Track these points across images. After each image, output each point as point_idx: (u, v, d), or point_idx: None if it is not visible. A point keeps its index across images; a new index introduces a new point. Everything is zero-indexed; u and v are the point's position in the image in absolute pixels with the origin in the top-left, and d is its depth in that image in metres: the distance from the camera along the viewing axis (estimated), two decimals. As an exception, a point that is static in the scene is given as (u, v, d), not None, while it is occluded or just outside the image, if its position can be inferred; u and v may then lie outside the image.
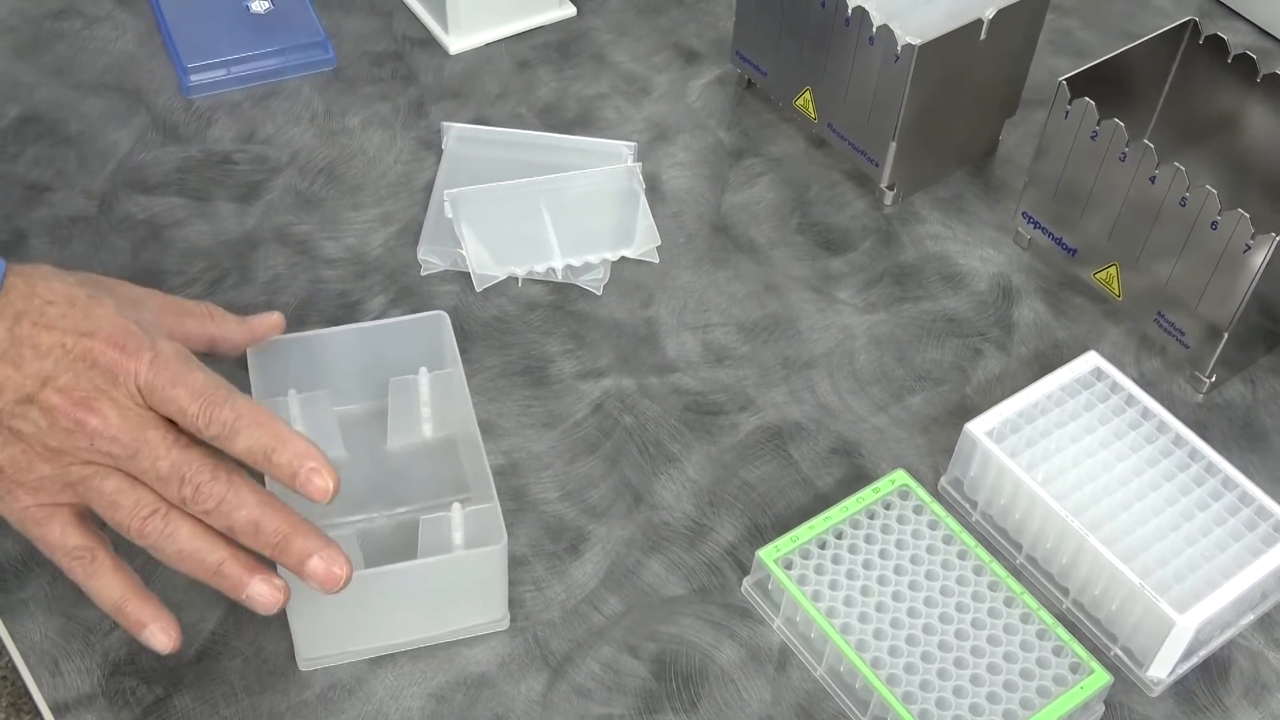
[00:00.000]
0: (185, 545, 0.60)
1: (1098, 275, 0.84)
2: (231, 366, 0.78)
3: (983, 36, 0.84)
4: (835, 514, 0.71)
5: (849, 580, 0.69)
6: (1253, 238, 0.74)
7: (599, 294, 0.84)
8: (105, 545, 0.63)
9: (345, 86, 0.95)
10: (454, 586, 0.66)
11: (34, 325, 0.60)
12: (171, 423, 0.61)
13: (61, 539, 0.61)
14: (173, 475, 0.59)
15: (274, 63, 0.95)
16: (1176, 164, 0.76)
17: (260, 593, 0.61)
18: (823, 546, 0.70)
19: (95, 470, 0.60)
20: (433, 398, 0.73)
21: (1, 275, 0.61)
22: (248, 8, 0.97)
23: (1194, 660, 0.70)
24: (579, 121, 0.94)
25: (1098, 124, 0.79)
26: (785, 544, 0.70)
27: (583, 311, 0.83)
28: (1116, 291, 0.83)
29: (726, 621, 0.70)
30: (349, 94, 0.95)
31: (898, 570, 0.70)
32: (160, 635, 0.62)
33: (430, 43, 0.99)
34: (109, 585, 0.62)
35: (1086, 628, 0.71)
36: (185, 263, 0.84)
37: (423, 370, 0.72)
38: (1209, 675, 0.70)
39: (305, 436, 0.61)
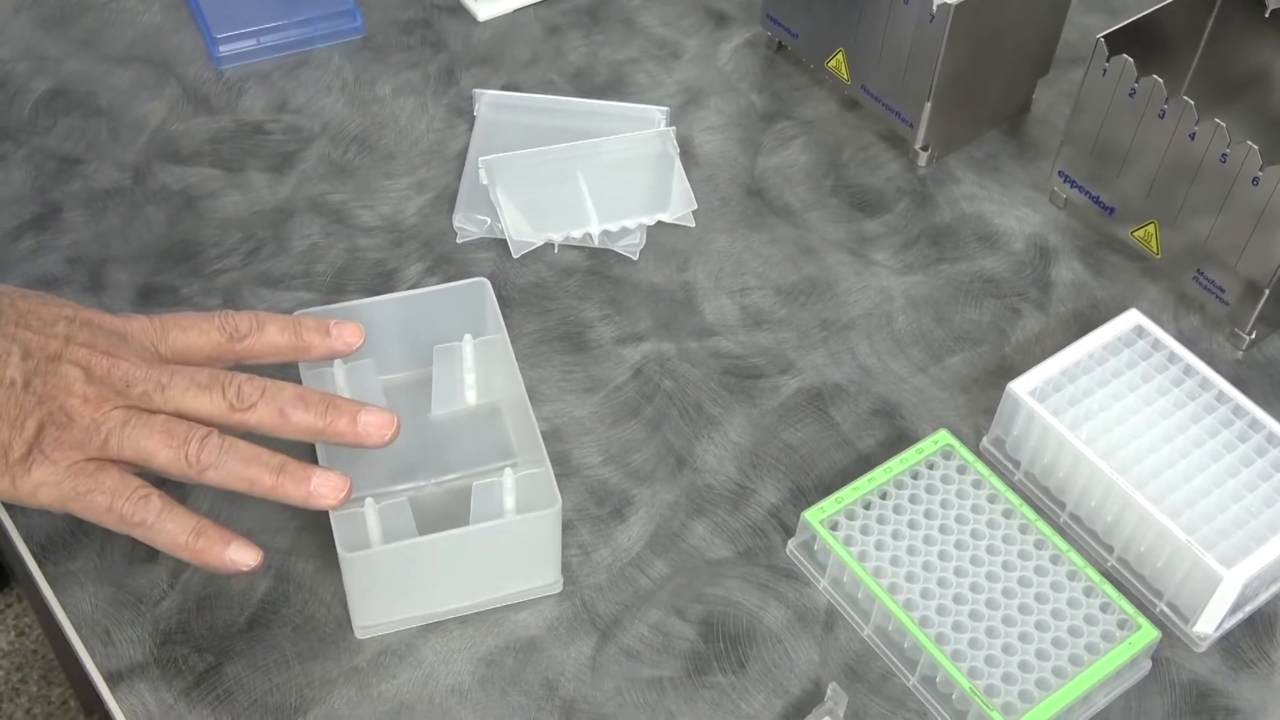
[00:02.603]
0: (246, 454, 0.61)
1: (1135, 233, 0.84)
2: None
3: (1017, -5, 0.84)
4: (879, 475, 0.71)
5: (894, 540, 0.69)
6: (1295, 193, 0.73)
7: (635, 259, 0.84)
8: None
9: (375, 55, 0.95)
10: (507, 550, 0.66)
11: (30, 303, 0.62)
12: None
13: (121, 483, 0.61)
14: (213, 384, 0.61)
15: (303, 32, 0.94)
16: (1217, 120, 0.75)
17: (323, 483, 0.62)
18: (867, 507, 0.71)
19: (136, 414, 0.61)
20: (476, 364, 0.73)
21: None
22: (275, -24, 0.97)
23: (1240, 616, 0.70)
24: (610, 87, 0.94)
25: (1136, 81, 0.79)
26: (830, 505, 0.70)
27: (620, 277, 0.83)
28: (1155, 249, 0.83)
29: (772, 583, 0.70)
30: (379, 62, 0.94)
31: (943, 529, 0.70)
32: (244, 553, 0.62)
33: (458, 10, 0.98)
34: (180, 518, 0.62)
35: (1132, 584, 0.71)
36: (221, 233, 0.84)
37: (467, 337, 0.72)
38: (1255, 630, 0.70)
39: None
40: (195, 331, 0.63)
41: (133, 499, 0.61)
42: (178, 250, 0.83)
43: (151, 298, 0.80)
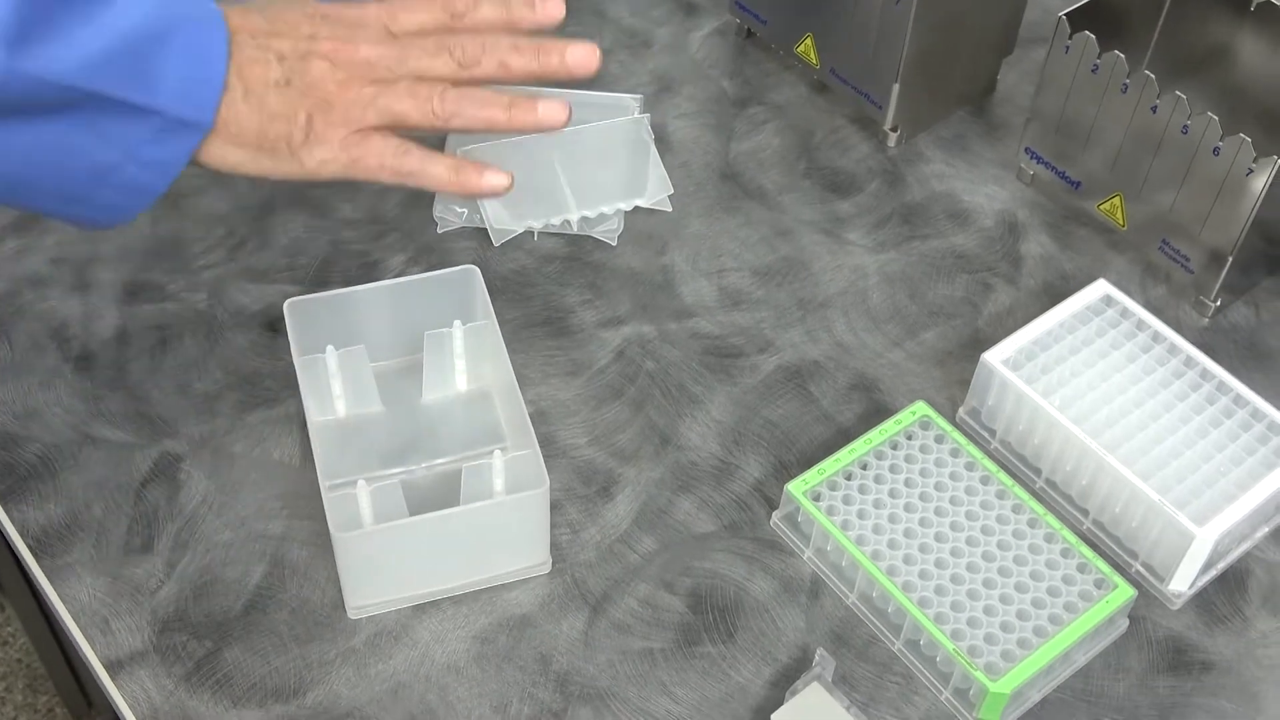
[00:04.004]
0: (479, 97, 0.70)
1: (1101, 206, 0.86)
2: (265, 331, 0.79)
3: (981, -24, 0.86)
4: (859, 446, 0.73)
5: (876, 509, 0.71)
6: (1255, 161, 0.75)
7: (614, 244, 0.85)
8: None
9: (350, 51, 0.96)
10: (498, 531, 0.67)
11: (277, 10, 0.70)
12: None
13: (384, 142, 0.70)
14: (440, 49, 0.70)
15: None
16: (1178, 93, 0.77)
17: (549, 106, 0.71)
18: (849, 478, 0.72)
19: (383, 85, 0.70)
20: (466, 350, 0.74)
21: (220, 20, 0.68)
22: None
23: (1212, 573, 0.72)
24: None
25: (1098, 57, 0.81)
26: (813, 477, 0.72)
27: (599, 262, 0.84)
28: (1121, 222, 0.85)
29: (758, 555, 0.72)
30: (354, 58, 0.95)
31: (923, 497, 0.72)
32: (498, 176, 0.71)
33: (431, 5, 1.00)
34: (440, 160, 0.71)
35: (1108, 546, 0.73)
36: (205, 230, 0.85)
37: (457, 323, 0.73)
38: (1227, 587, 0.72)
39: None
40: (421, 11, 0.71)
41: (398, 153, 0.70)
42: (163, 247, 0.84)
43: (139, 295, 0.81)
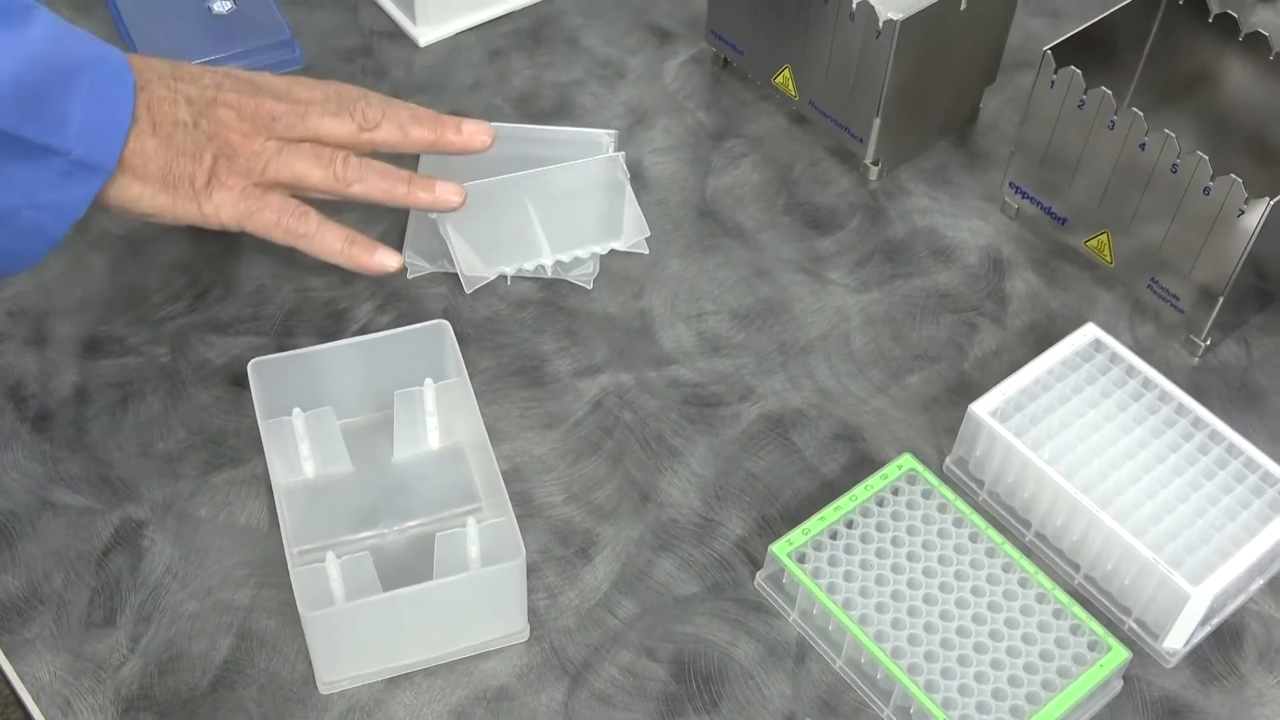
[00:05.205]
0: (379, 170, 0.74)
1: (1088, 243, 0.84)
2: (229, 386, 0.77)
3: (963, 7, 0.83)
4: (845, 503, 0.71)
5: (863, 570, 0.69)
6: (1246, 202, 0.74)
7: (589, 288, 0.83)
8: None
9: (316, 86, 0.93)
10: (473, 603, 0.65)
11: (180, 64, 0.72)
12: None
13: (283, 203, 0.72)
14: (342, 109, 0.73)
15: (241, 65, 0.92)
16: (1167, 131, 0.75)
17: (446, 188, 0.76)
18: (834, 537, 0.70)
19: (287, 144, 0.72)
20: (438, 408, 0.72)
21: (123, 53, 0.69)
22: (210, 9, 0.95)
23: (1207, 629, 0.70)
24: (556, 110, 0.93)
25: (1084, 93, 0.79)
26: (797, 537, 0.70)
27: (574, 307, 0.82)
28: (1108, 258, 0.83)
29: (742, 618, 0.70)
30: (320, 93, 0.93)
31: (910, 557, 0.70)
32: (390, 256, 0.74)
33: (398, 35, 0.97)
34: (335, 229, 0.73)
35: (1100, 602, 0.71)
36: (168, 279, 0.82)
37: (428, 382, 0.71)
38: (1223, 643, 0.70)
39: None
40: (325, 85, 0.74)
41: (295, 214, 0.72)
42: (122, 298, 0.81)
43: (98, 349, 0.78)
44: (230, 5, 0.95)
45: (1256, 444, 0.72)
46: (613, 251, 0.84)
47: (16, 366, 0.78)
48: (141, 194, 0.68)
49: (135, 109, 0.67)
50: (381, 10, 0.98)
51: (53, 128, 0.64)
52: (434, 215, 0.81)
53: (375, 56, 0.95)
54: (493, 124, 0.89)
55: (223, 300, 0.81)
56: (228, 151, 0.70)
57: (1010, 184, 0.86)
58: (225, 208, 0.71)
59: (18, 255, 0.68)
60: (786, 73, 0.90)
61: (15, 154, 0.63)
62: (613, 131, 0.89)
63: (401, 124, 0.74)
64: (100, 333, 0.79)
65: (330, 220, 0.73)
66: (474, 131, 0.76)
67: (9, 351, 0.78)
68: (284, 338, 0.79)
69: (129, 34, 0.93)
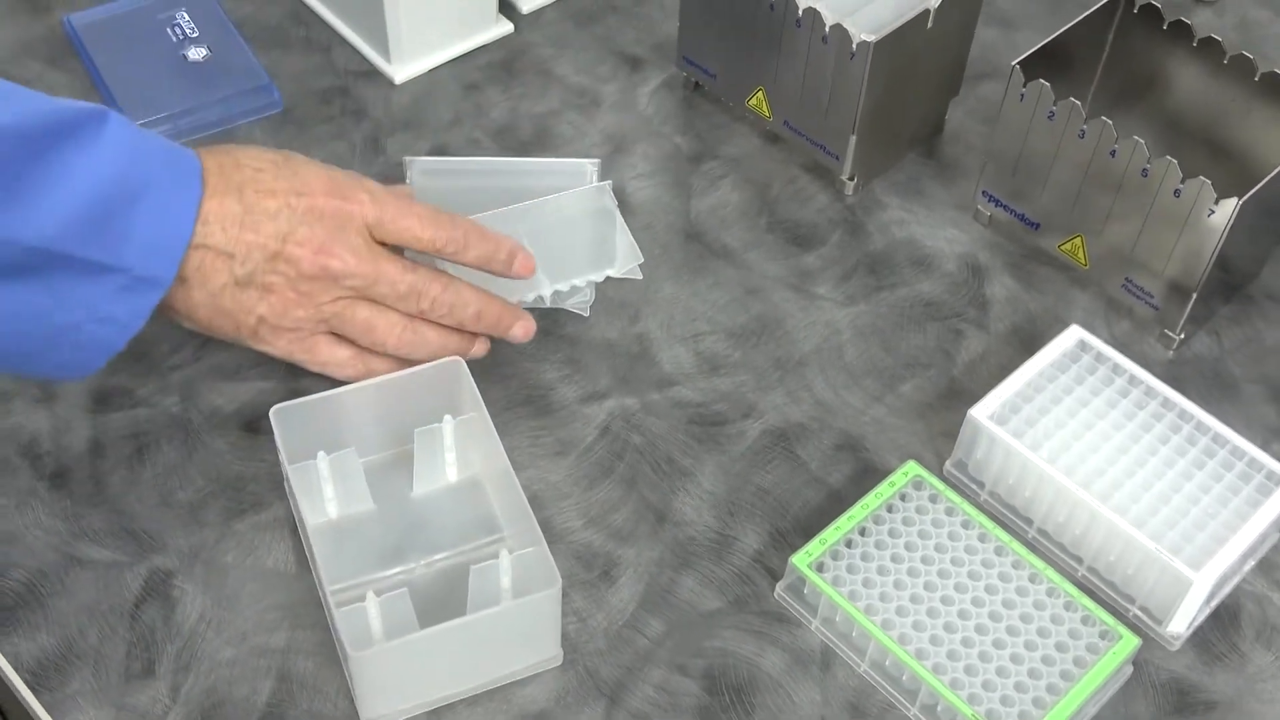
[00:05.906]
0: (433, 344, 0.76)
1: (1062, 246, 0.87)
2: (243, 432, 0.78)
3: (930, 25, 0.86)
4: (857, 512, 0.74)
5: (881, 576, 0.72)
6: (1216, 203, 0.77)
7: (587, 315, 0.85)
8: (366, 352, 0.76)
9: (297, 129, 0.94)
10: (511, 632, 0.67)
11: (256, 193, 0.69)
12: (396, 250, 0.74)
13: (331, 355, 0.75)
14: (411, 293, 0.73)
15: (220, 111, 0.93)
16: (1137, 138, 0.79)
17: (480, 350, 0.79)
18: (849, 545, 0.73)
19: (345, 304, 0.72)
20: (456, 442, 0.73)
21: (199, 161, 0.68)
22: (184, 57, 0.96)
23: (1207, 611, 0.74)
24: (535, 141, 0.94)
25: (1054, 104, 0.82)
26: (815, 547, 0.72)
27: (574, 335, 0.84)
28: (1083, 260, 0.86)
29: (766, 629, 0.72)
30: (302, 135, 0.94)
31: (925, 560, 0.72)
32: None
33: (374, 74, 0.98)
34: (381, 365, 0.76)
35: (1104, 592, 0.74)
36: (171, 328, 0.82)
37: (447, 418, 0.73)
38: (1221, 624, 0.74)
39: (506, 237, 0.78)
40: (409, 236, 0.73)
41: (342, 368, 0.75)
42: (128, 350, 0.80)
43: (108, 403, 0.79)
44: (206, 52, 0.96)
45: (1236, 431, 0.76)
46: (606, 278, 0.86)
47: (28, 425, 0.78)
48: (194, 312, 0.71)
49: (184, 267, 0.67)
50: (355, 50, 0.99)
51: (115, 247, 0.64)
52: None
53: (353, 96, 0.97)
54: (477, 159, 0.92)
55: (227, 347, 0.82)
56: (278, 308, 0.71)
57: (983, 192, 0.90)
58: (272, 349, 0.74)
59: (78, 366, 0.67)
60: (760, 95, 0.92)
61: (77, 272, 0.63)
62: (596, 160, 0.91)
63: (462, 321, 0.76)
64: (108, 385, 0.80)
65: (374, 356, 0.76)
66: (529, 328, 0.79)
67: (18, 410, 0.79)
68: (291, 381, 0.80)
69: (105, 85, 0.94)
